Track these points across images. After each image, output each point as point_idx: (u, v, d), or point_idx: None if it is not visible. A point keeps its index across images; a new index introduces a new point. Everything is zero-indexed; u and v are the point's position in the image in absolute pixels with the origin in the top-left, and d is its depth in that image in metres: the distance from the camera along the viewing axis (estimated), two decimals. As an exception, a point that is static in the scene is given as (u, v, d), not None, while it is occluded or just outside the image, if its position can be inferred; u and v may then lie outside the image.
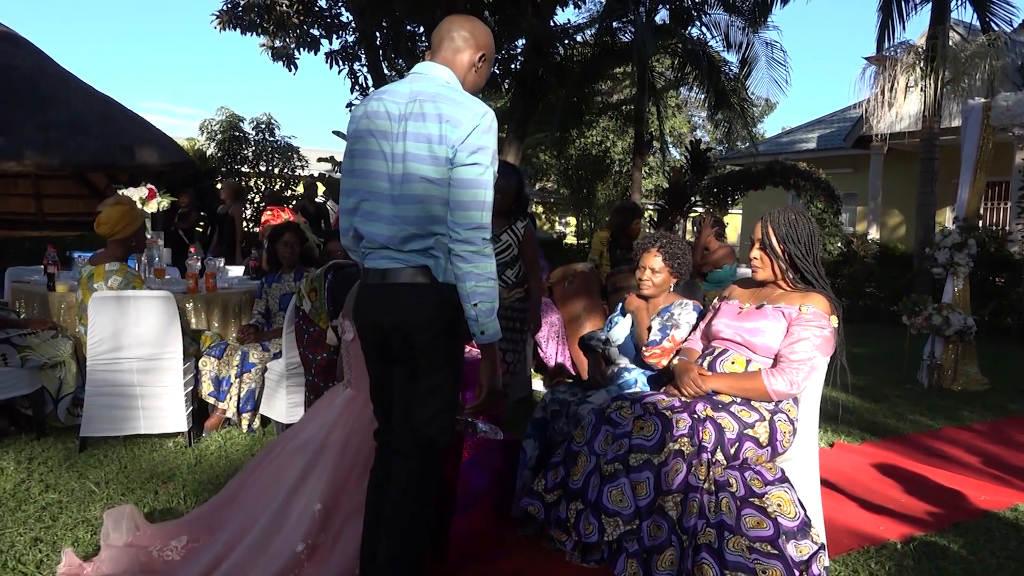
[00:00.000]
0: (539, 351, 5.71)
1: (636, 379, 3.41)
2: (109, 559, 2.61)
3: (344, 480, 2.57)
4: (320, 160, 16.76)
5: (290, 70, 10.47)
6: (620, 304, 3.70)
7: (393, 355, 2.28)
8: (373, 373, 2.39)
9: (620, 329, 3.55)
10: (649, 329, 3.36)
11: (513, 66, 10.74)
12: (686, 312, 3.35)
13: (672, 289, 3.51)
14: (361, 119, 2.27)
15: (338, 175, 17.23)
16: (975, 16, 10.08)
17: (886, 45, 10.44)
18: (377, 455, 2.43)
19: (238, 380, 4.42)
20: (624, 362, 3.46)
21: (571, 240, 21.09)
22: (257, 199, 15.71)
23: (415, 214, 2.16)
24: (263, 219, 6.62)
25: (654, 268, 3.41)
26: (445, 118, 2.13)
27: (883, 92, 10.15)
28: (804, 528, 2.63)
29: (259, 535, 2.53)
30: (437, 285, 2.18)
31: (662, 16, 11.96)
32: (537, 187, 26.75)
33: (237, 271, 6.42)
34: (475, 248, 2.11)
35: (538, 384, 5.83)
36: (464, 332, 2.22)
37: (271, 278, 4.86)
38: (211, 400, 4.48)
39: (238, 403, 4.44)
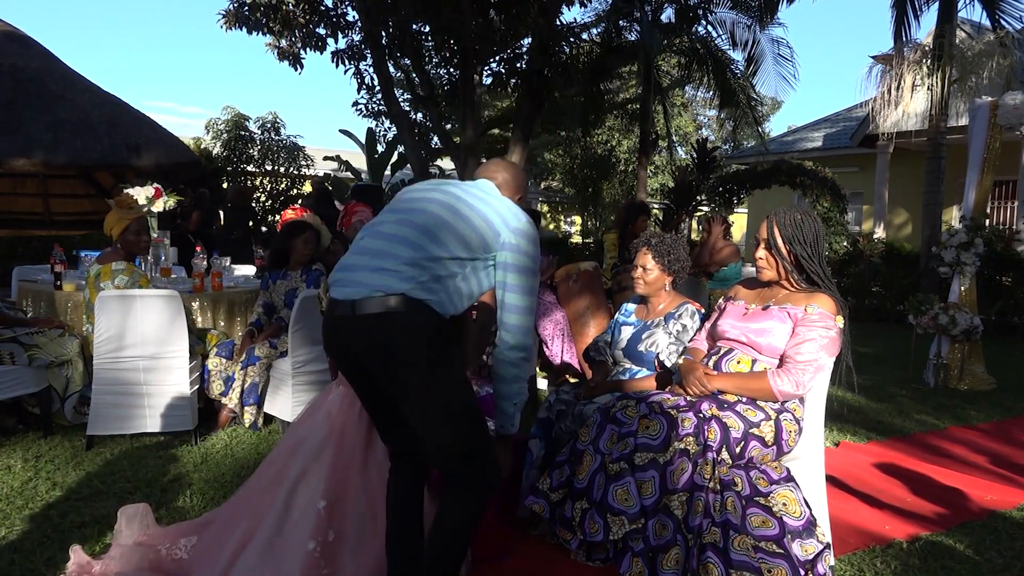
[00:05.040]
0: (545, 349, 5.71)
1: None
2: (118, 557, 2.62)
3: (345, 476, 2.58)
4: (326, 159, 16.79)
5: (296, 69, 10.47)
6: (624, 305, 3.70)
7: (386, 392, 2.27)
8: (361, 395, 2.39)
9: (623, 332, 3.55)
10: (658, 357, 3.34)
11: (519, 65, 10.73)
12: (693, 322, 3.36)
13: (674, 288, 3.50)
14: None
15: (344, 175, 17.26)
16: (983, 14, 10.04)
17: (903, 40, 10.37)
18: (393, 463, 2.45)
19: (242, 372, 4.44)
20: (628, 364, 3.45)
21: (576, 239, 21.09)
22: (263, 198, 15.73)
23: (422, 220, 2.22)
24: (284, 216, 6.61)
25: (645, 267, 3.42)
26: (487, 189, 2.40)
27: (889, 91, 10.12)
28: (809, 527, 2.63)
29: (265, 536, 2.54)
30: (410, 308, 2.12)
31: (668, 15, 11.95)
32: (543, 186, 26.74)
33: (244, 270, 6.44)
34: (524, 356, 2.30)
35: (543, 383, 5.83)
36: (452, 356, 2.22)
37: (276, 274, 4.83)
38: (223, 399, 4.49)
39: (241, 395, 4.45)
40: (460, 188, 2.35)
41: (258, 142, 16.02)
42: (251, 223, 10.25)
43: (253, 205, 12.56)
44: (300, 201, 14.40)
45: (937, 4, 9.99)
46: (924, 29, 17.48)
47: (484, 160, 13.76)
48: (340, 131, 16.65)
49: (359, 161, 17.74)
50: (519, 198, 2.49)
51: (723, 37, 12.13)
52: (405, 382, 2.14)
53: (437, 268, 2.16)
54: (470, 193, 2.32)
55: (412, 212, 2.27)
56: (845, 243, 12.65)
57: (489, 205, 2.28)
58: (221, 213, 10.42)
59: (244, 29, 9.65)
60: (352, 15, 10.37)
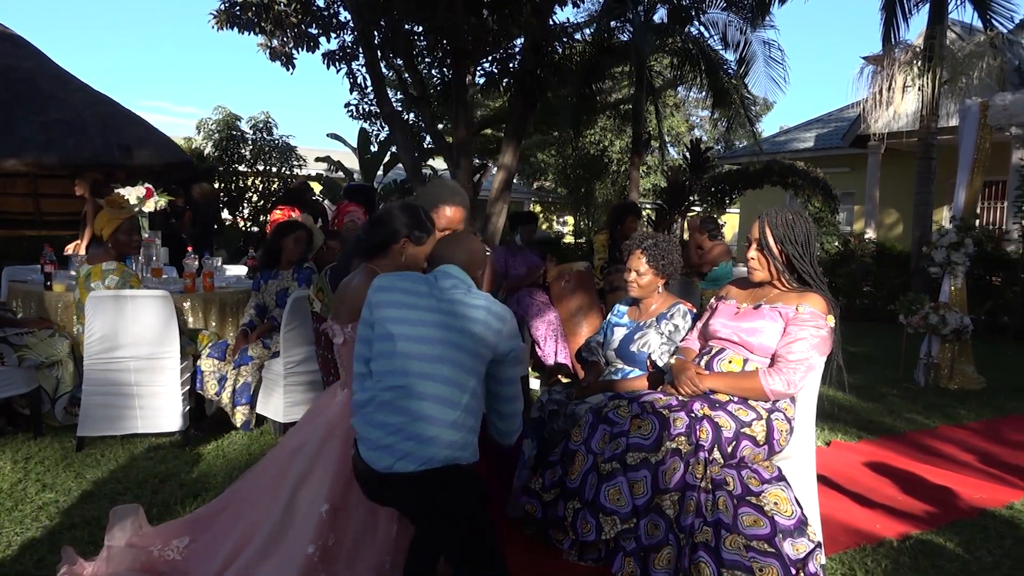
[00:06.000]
0: (537, 350, 5.72)
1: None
2: (110, 558, 2.61)
3: (348, 480, 2.57)
4: (318, 160, 16.75)
5: (288, 70, 10.44)
6: (616, 306, 3.70)
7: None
8: None
9: (615, 333, 3.54)
10: (650, 357, 3.34)
11: (512, 65, 10.74)
12: (685, 322, 3.36)
13: (666, 289, 3.50)
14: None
15: (335, 175, 17.23)
16: (974, 16, 10.08)
17: (892, 42, 10.41)
18: None
19: (235, 371, 4.42)
20: (620, 363, 3.46)
21: (569, 239, 21.08)
22: (255, 198, 15.68)
23: (450, 373, 2.21)
24: (273, 217, 6.60)
25: (639, 270, 3.39)
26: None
27: (881, 91, 10.14)
28: (801, 526, 2.64)
29: (265, 537, 2.53)
30: (453, 475, 2.18)
31: (660, 15, 11.97)
32: (535, 186, 26.76)
33: (235, 270, 6.42)
34: (518, 418, 2.49)
35: (536, 383, 5.84)
36: (485, 507, 2.32)
37: (267, 274, 4.82)
38: (216, 399, 4.48)
39: (233, 394, 4.43)
40: (456, 303, 2.27)
41: (250, 142, 15.97)
42: (215, 223, 10.13)
43: (219, 205, 12.36)
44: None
45: (928, 5, 10.04)
46: (915, 30, 17.55)
47: (476, 160, 13.66)
48: (329, 135, 16.61)
49: (351, 161, 17.71)
50: (481, 273, 2.52)
51: (715, 38, 12.15)
52: (440, 529, 2.25)
53: (468, 416, 2.20)
54: (463, 303, 2.27)
55: (435, 362, 2.19)
56: (836, 243, 12.70)
57: (483, 323, 2.25)
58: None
59: (235, 29, 9.60)
60: (344, 15, 10.35)
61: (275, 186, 15.70)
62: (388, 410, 2.17)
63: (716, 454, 2.68)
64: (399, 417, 2.15)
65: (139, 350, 4.12)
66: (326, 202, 15.72)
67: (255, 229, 14.81)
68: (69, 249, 6.47)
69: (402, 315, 2.25)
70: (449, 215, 3.06)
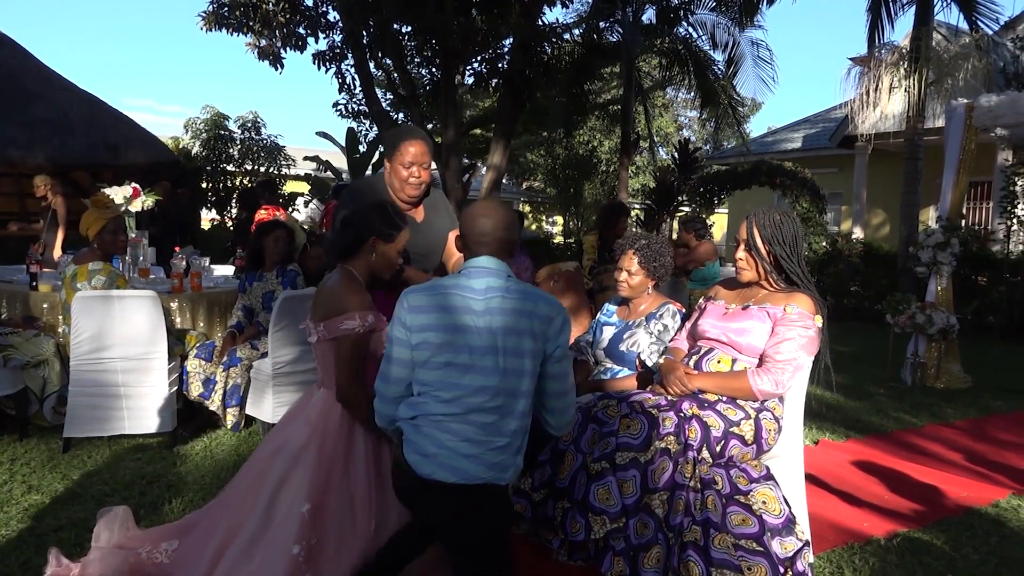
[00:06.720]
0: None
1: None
2: (97, 560, 2.59)
3: (327, 478, 2.57)
4: (306, 159, 16.71)
5: (276, 69, 10.40)
6: (606, 305, 3.70)
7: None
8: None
9: (604, 332, 3.55)
10: (639, 357, 3.34)
11: (501, 65, 10.74)
12: (674, 322, 3.36)
13: (655, 289, 3.50)
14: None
15: (324, 175, 17.19)
16: (960, 17, 10.15)
17: (876, 43, 10.49)
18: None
19: (224, 374, 4.40)
20: (609, 363, 3.46)
21: (558, 239, 21.11)
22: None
23: (503, 402, 2.19)
24: (257, 217, 6.57)
25: (630, 270, 3.38)
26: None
27: (868, 92, 10.21)
28: (789, 525, 2.65)
29: (249, 537, 2.52)
30: (488, 495, 2.20)
31: (649, 16, 12.01)
32: (524, 186, 26.77)
33: (223, 270, 6.40)
34: (570, 410, 2.42)
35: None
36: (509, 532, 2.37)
37: (251, 276, 4.80)
38: (201, 400, 4.45)
39: (223, 396, 4.41)
40: (495, 315, 2.19)
41: (238, 141, 15.91)
42: (182, 223, 10.06)
43: (189, 205, 12.20)
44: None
45: (914, 7, 10.10)
46: (901, 31, 17.66)
47: (465, 160, 13.62)
48: (317, 133, 16.59)
49: (339, 161, 17.68)
50: (517, 240, 2.44)
51: (704, 38, 12.20)
52: (462, 543, 2.27)
53: (515, 439, 2.22)
54: (501, 313, 2.20)
55: (480, 393, 2.16)
56: (824, 243, 12.77)
57: (526, 332, 2.20)
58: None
59: (224, 30, 9.56)
60: (333, 15, 10.33)
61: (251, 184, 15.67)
62: (434, 427, 2.20)
63: (705, 453, 2.69)
64: (444, 435, 2.18)
65: (127, 351, 4.09)
66: (315, 201, 15.66)
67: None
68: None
69: (443, 340, 2.19)
70: (413, 151, 3.10)
